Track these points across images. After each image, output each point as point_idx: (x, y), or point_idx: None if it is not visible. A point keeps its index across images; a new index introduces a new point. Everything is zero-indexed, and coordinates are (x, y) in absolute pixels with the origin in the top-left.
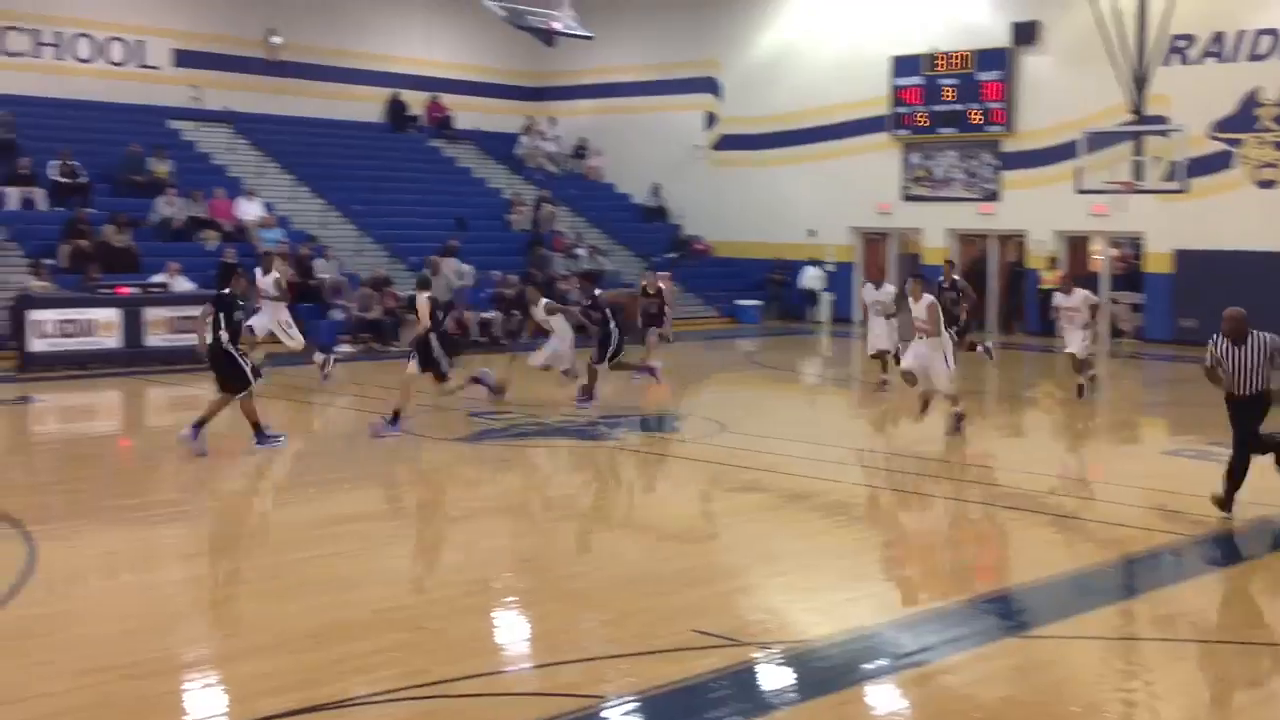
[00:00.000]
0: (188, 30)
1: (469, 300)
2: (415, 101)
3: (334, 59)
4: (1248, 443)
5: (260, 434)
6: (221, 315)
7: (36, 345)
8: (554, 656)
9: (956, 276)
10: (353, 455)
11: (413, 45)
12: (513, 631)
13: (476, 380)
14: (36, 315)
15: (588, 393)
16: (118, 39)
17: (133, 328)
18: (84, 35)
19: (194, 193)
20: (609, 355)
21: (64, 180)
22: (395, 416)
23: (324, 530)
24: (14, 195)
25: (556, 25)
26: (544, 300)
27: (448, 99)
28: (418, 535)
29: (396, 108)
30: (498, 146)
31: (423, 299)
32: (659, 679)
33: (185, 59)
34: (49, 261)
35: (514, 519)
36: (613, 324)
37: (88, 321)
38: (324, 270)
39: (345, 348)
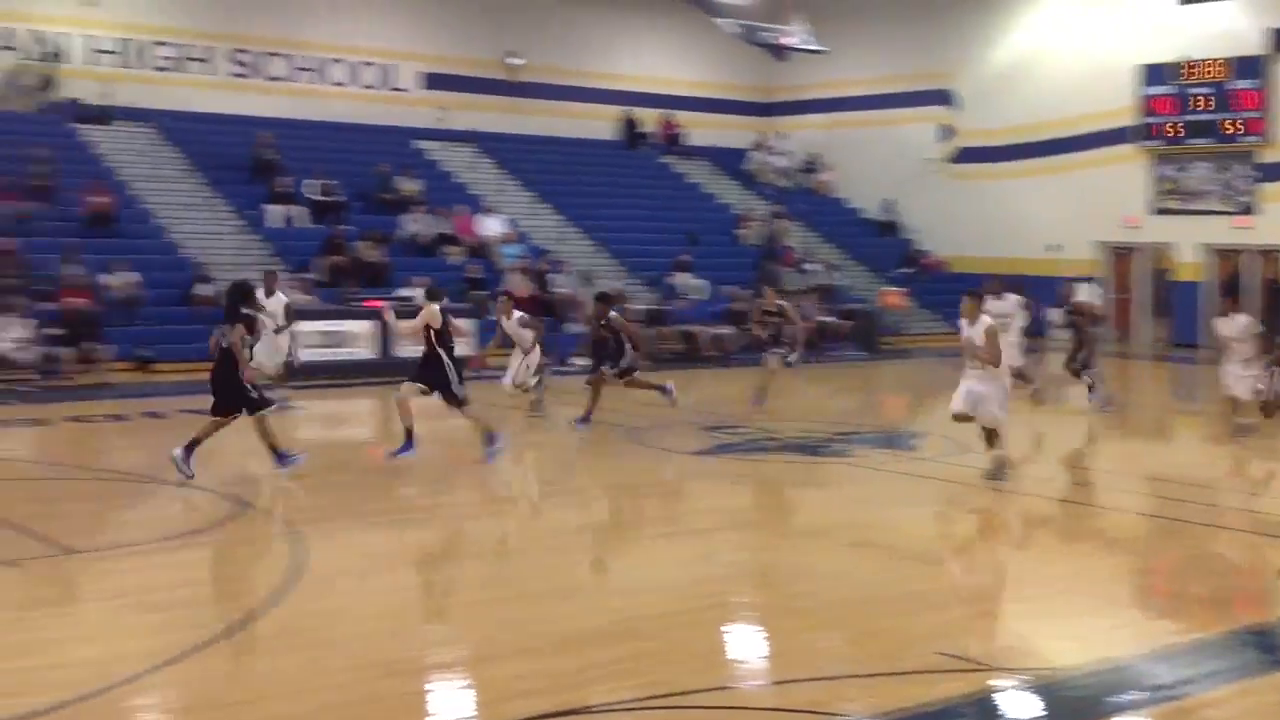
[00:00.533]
0: (434, 54)
1: (701, 315)
2: (647, 118)
3: (570, 79)
4: None
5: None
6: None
7: (299, 355)
8: (793, 673)
9: (1081, 298)
10: (587, 466)
11: (645, 63)
12: (752, 646)
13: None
14: (299, 327)
15: (587, 416)
16: (369, 63)
17: (384, 339)
18: (338, 60)
19: (439, 210)
20: (621, 368)
21: (321, 199)
22: (408, 437)
23: (564, 538)
24: (277, 213)
25: (789, 40)
26: (517, 314)
27: (679, 115)
28: (655, 547)
29: (629, 125)
30: (728, 162)
31: (433, 310)
32: (902, 701)
33: (432, 81)
34: (309, 276)
35: (751, 534)
36: (627, 342)
37: (345, 333)
38: (561, 285)
39: (582, 360)
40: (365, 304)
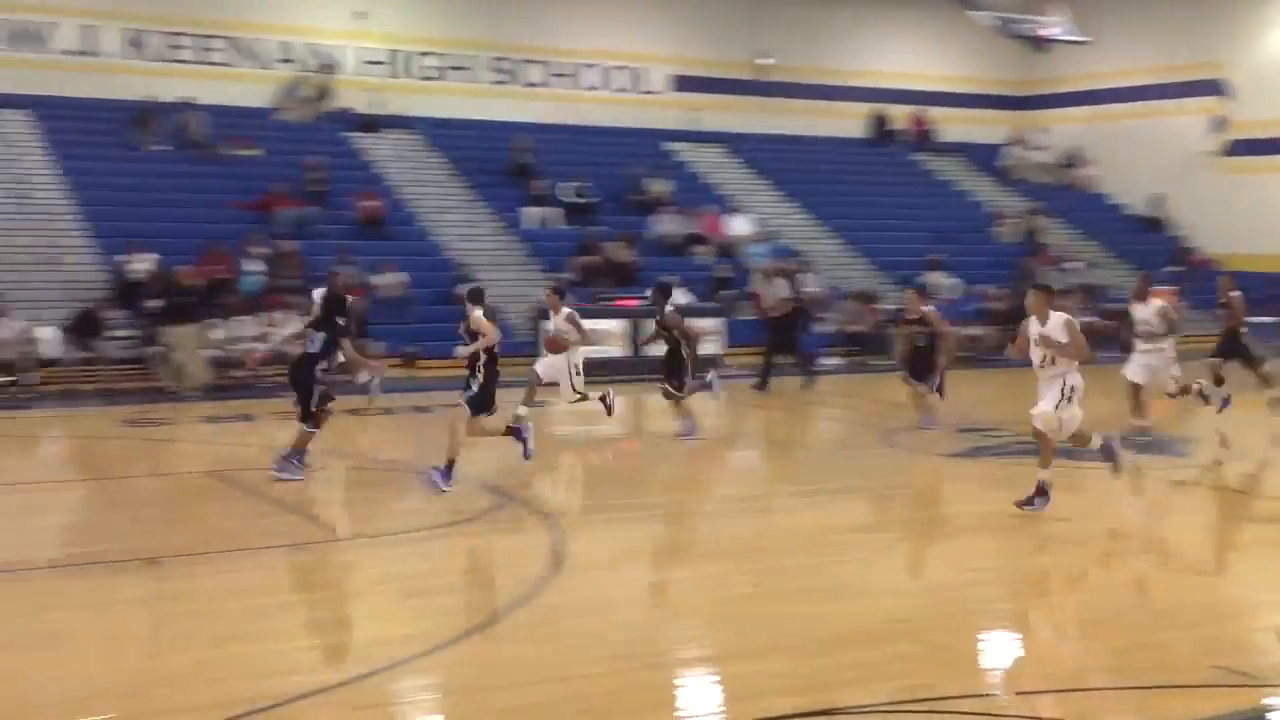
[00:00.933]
0: (684, 56)
1: (953, 315)
2: (898, 115)
3: (819, 77)
4: None
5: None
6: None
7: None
8: (1057, 683)
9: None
10: (844, 466)
11: (896, 59)
12: (1013, 654)
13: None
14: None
15: (689, 426)
16: (622, 67)
17: (635, 338)
18: (592, 65)
19: (688, 210)
20: (684, 380)
21: (575, 200)
22: (448, 466)
23: (823, 538)
24: (533, 214)
25: (1049, 31)
26: (566, 310)
27: (931, 111)
28: (914, 549)
29: (879, 122)
30: (983, 158)
31: (477, 314)
32: (1175, 715)
33: (682, 84)
34: (563, 275)
35: (1010, 539)
36: (684, 346)
37: (597, 332)
38: (810, 285)
39: (833, 360)
40: (616, 303)
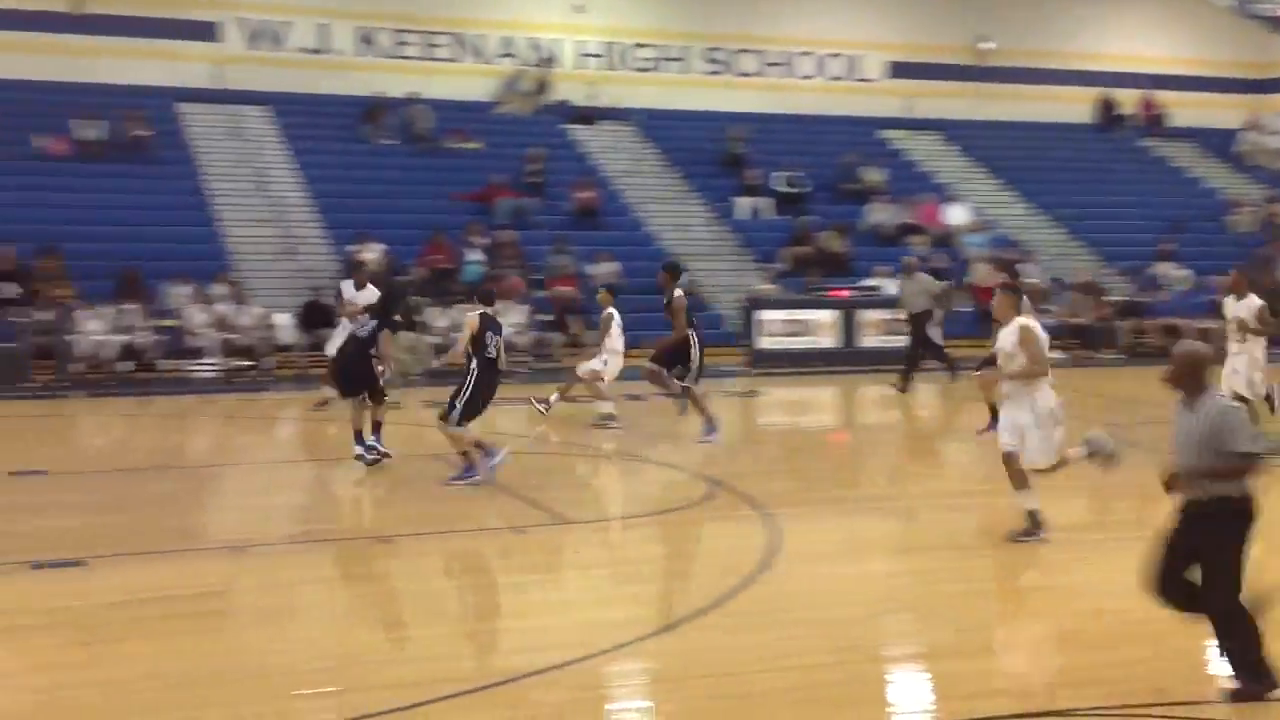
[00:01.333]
0: (901, 42)
1: (1185, 307)
2: (1126, 99)
3: (1042, 60)
4: None
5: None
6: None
7: (764, 343)
8: None
9: None
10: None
11: (1124, 42)
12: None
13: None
14: (764, 315)
15: (710, 425)
16: (836, 55)
17: (848, 329)
18: (806, 54)
19: (903, 199)
20: (691, 373)
21: (787, 190)
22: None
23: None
24: (745, 205)
25: None
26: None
27: (1161, 95)
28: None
29: (1106, 107)
30: (1217, 144)
31: (472, 316)
32: None
33: (898, 70)
34: (774, 265)
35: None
36: (693, 334)
37: (808, 322)
38: (1030, 275)
39: (1055, 354)
40: (830, 293)
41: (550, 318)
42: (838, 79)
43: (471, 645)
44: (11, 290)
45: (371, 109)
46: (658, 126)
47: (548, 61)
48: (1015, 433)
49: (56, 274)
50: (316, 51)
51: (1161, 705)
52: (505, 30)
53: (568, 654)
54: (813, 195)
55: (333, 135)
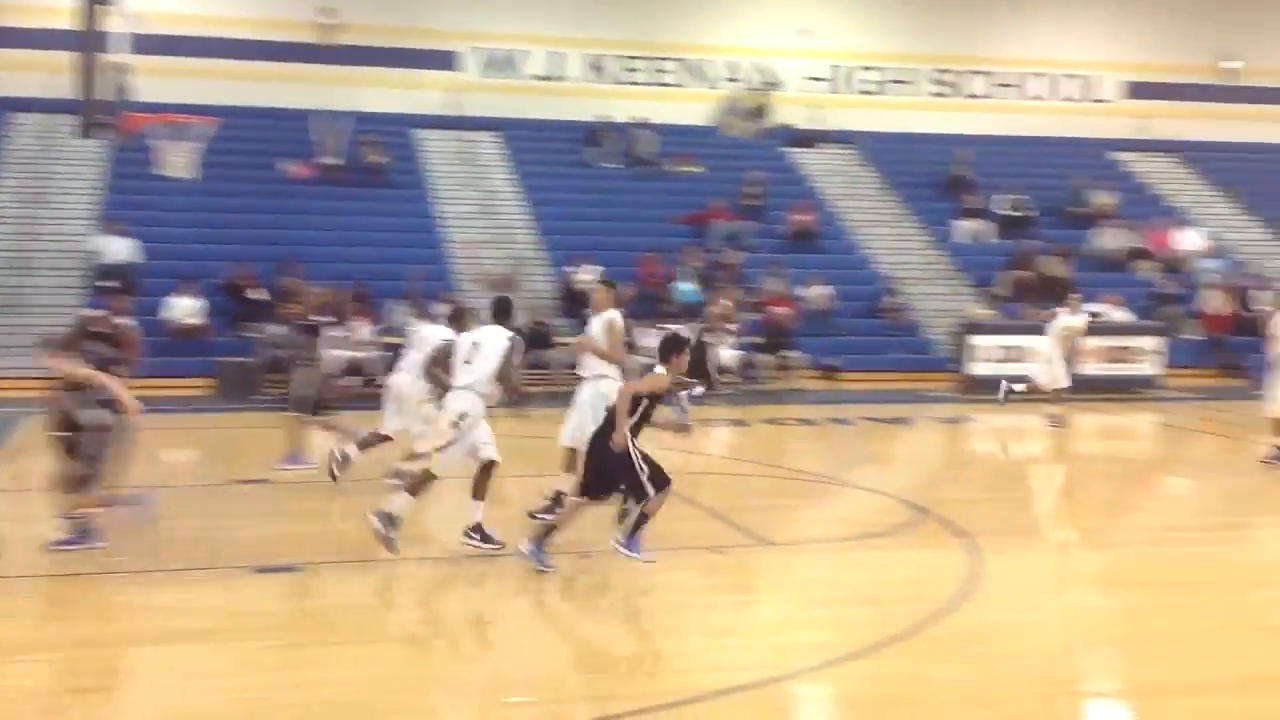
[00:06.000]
0: (1138, 62)
1: None
2: None
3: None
4: None
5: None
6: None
7: (977, 369)
8: None
9: None
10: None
11: None
12: None
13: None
14: (977, 340)
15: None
16: (1070, 75)
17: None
18: (1038, 75)
19: (1133, 223)
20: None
21: (1010, 213)
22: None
23: (1249, 574)
24: (964, 228)
25: None
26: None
27: None
28: None
29: None
30: None
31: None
32: None
33: (1136, 90)
34: (991, 289)
35: None
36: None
37: (1023, 349)
38: (1264, 303)
39: None
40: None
41: (761, 340)
42: (1070, 100)
43: (666, 662)
44: (252, 307)
45: (595, 133)
46: (880, 149)
47: (770, 85)
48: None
49: (295, 291)
50: (548, 79)
51: None
52: (730, 55)
53: (759, 674)
54: (1037, 219)
55: (558, 159)
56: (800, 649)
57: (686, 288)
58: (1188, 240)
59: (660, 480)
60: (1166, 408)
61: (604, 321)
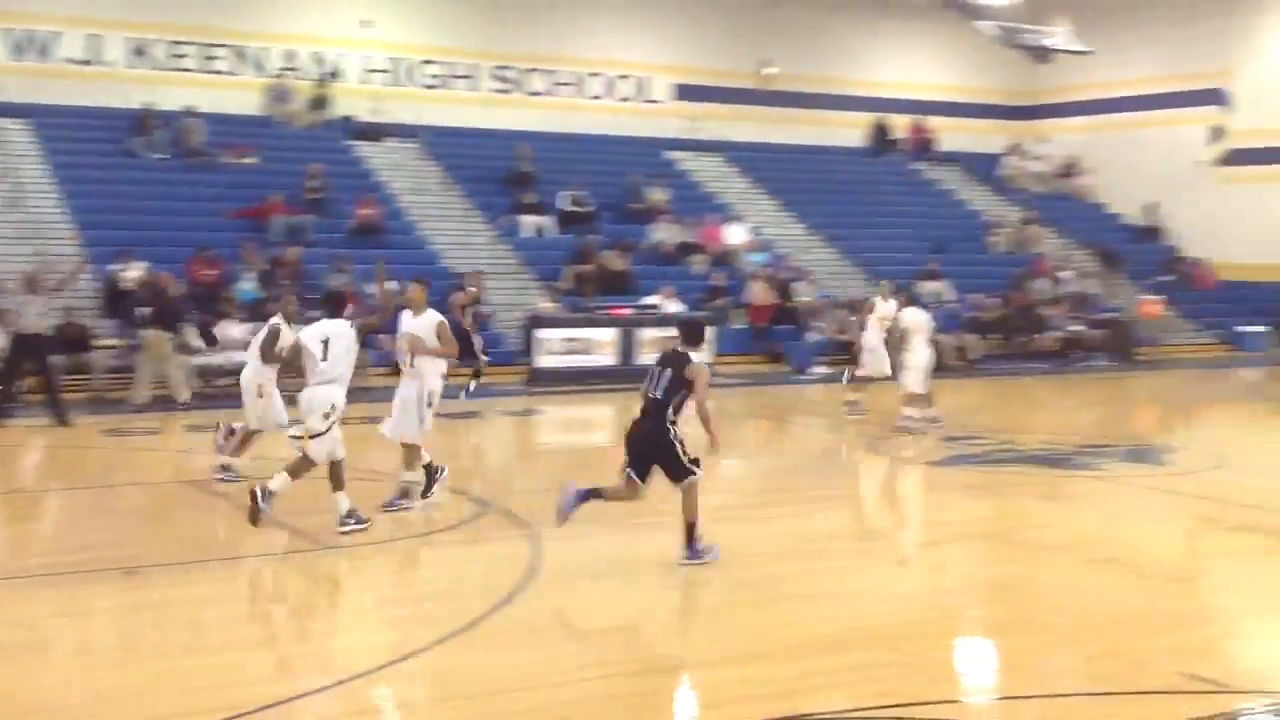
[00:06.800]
0: (687, 65)
1: (947, 324)
2: (898, 125)
3: (822, 86)
4: None
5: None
6: None
7: (543, 362)
8: (1026, 689)
9: None
10: (823, 474)
11: (898, 69)
12: (984, 661)
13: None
14: (543, 334)
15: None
16: (625, 76)
17: (627, 346)
18: (595, 75)
19: (685, 218)
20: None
21: (572, 209)
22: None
23: (796, 545)
24: (529, 223)
25: (1051, 42)
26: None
27: (931, 121)
28: (889, 557)
29: (880, 132)
30: (981, 168)
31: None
32: None
33: (684, 93)
34: (556, 284)
35: (989, 547)
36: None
37: (588, 340)
38: (803, 294)
39: (822, 369)
40: (610, 312)
41: None
42: (626, 100)
43: (220, 677)
44: None
45: (140, 122)
46: (444, 144)
47: (330, 75)
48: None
49: None
50: (86, 63)
51: (900, 706)
52: (287, 43)
53: (314, 682)
54: (598, 214)
55: (98, 149)
56: (360, 651)
57: (246, 285)
58: (735, 235)
59: (698, 463)
60: (717, 394)
61: (431, 320)
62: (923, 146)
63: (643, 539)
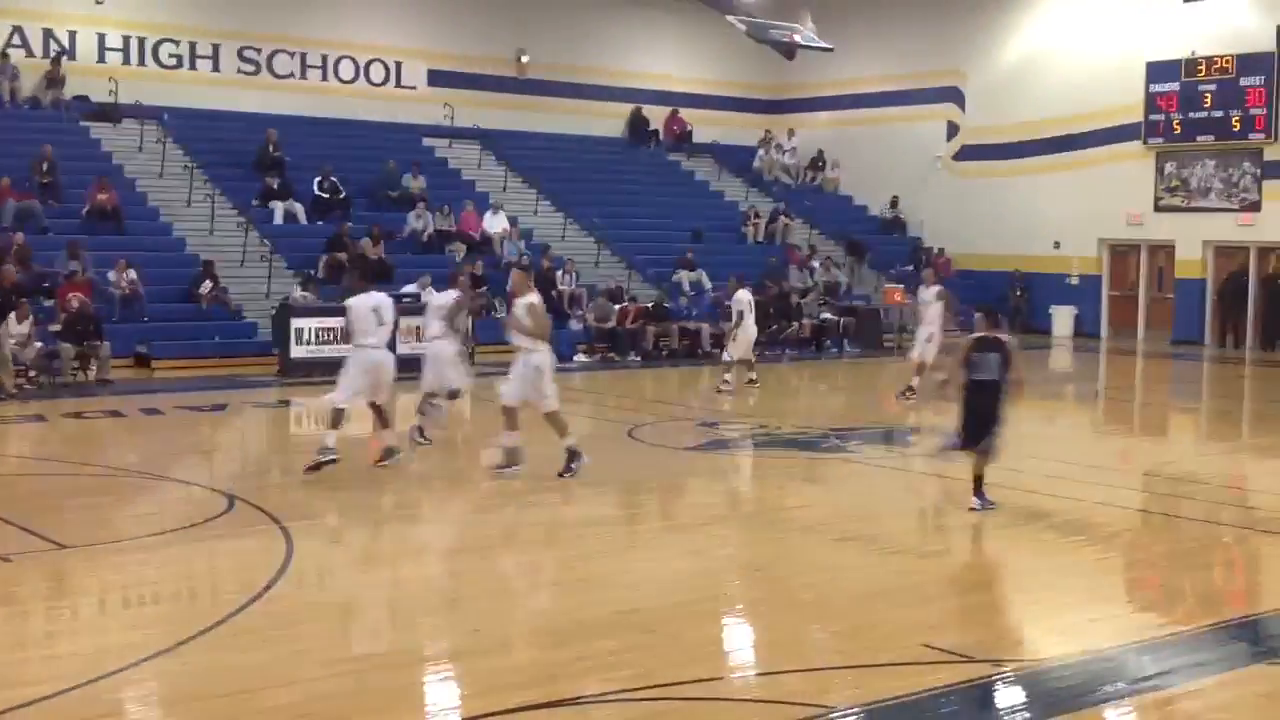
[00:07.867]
0: (441, 51)
1: (703, 312)
2: (655, 116)
3: (578, 76)
4: None
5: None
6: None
7: (296, 352)
8: (780, 665)
9: None
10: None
11: (654, 61)
12: (742, 638)
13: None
14: (297, 323)
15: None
16: (376, 60)
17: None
18: (345, 58)
19: (443, 206)
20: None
21: (325, 195)
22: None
23: (558, 533)
24: (278, 209)
25: (797, 38)
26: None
27: (687, 113)
28: (650, 541)
29: (637, 122)
30: (736, 159)
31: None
32: (885, 692)
33: (438, 79)
34: (309, 272)
35: (745, 528)
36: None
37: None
38: (563, 282)
39: (581, 357)
40: None
41: (58, 328)
42: (379, 85)
43: None
44: None
45: None
46: (187, 126)
47: (60, 53)
48: None
49: None
50: None
51: (659, 686)
52: (15, 19)
53: (62, 684)
54: (354, 201)
55: None
56: (106, 653)
57: None
58: (494, 223)
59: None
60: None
61: (524, 305)
62: (680, 138)
63: (394, 532)
